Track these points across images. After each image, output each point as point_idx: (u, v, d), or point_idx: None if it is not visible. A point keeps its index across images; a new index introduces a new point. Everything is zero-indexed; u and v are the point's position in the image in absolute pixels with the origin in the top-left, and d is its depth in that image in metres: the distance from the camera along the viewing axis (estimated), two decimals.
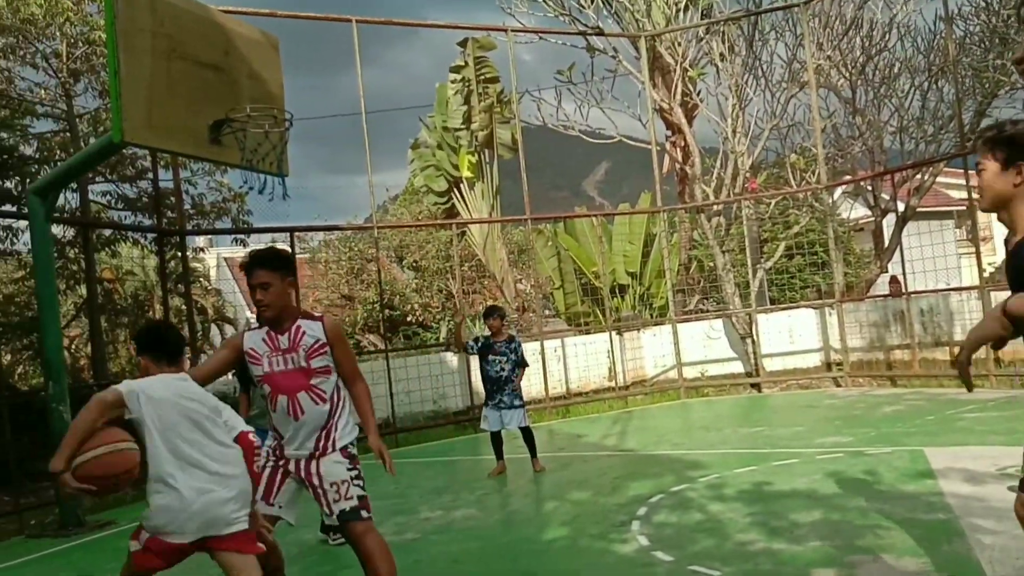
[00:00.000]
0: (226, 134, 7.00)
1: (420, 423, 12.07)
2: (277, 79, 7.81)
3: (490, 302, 18.59)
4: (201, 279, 20.27)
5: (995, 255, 26.89)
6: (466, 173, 18.51)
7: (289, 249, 11.90)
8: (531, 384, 12.89)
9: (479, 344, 7.99)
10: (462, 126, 18.43)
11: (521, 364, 8.01)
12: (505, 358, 7.89)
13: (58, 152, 13.22)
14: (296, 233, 12.41)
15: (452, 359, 12.82)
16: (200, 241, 17.77)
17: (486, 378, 8.02)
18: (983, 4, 13.23)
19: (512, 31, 13.45)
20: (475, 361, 12.85)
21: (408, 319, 17.93)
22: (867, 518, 5.20)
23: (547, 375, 12.43)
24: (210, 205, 14.32)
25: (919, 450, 7.13)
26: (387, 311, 15.36)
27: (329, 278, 18.89)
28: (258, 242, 19.57)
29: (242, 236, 14.02)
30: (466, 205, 18.97)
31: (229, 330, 23.13)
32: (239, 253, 22.42)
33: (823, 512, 5.44)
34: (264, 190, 7.53)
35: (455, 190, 19.24)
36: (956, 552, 4.36)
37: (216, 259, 24.09)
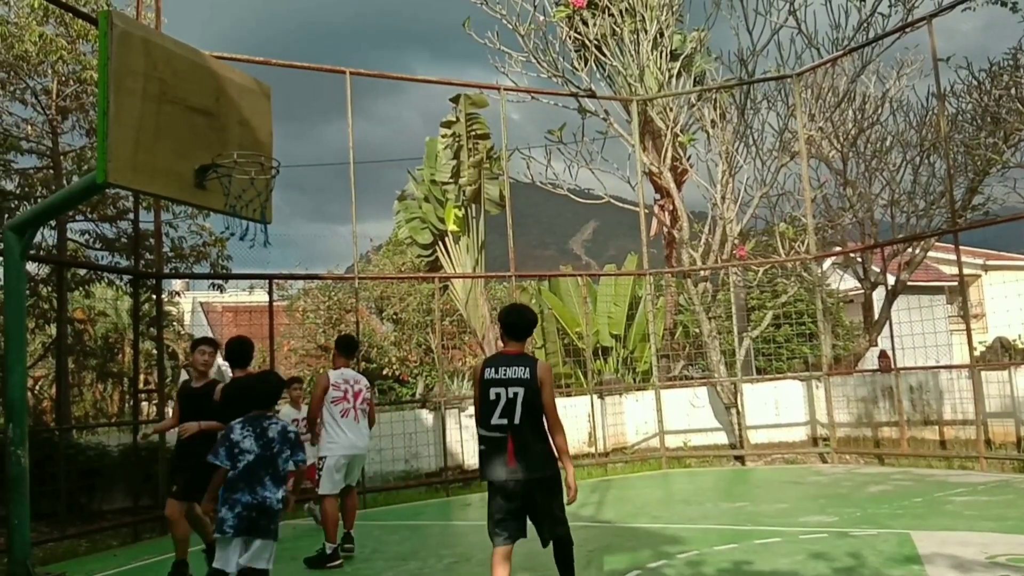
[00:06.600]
0: (211, 179, 6.82)
1: (390, 483, 11.62)
2: (267, 127, 7.69)
3: (471, 358, 18.32)
4: (175, 323, 19.86)
5: (986, 333, 26.73)
6: (452, 227, 18.36)
7: (267, 296, 11.66)
8: None
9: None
10: (450, 180, 18.36)
11: None
12: None
13: (40, 189, 12.95)
14: (275, 280, 12.12)
15: (428, 416, 12.42)
16: (176, 284, 17.41)
17: None
18: (975, 83, 13.34)
19: (504, 90, 13.44)
20: (451, 420, 12.53)
21: (384, 372, 17.53)
22: None
23: None
24: (189, 248, 14.01)
25: (906, 533, 6.82)
26: (363, 363, 15.00)
27: (306, 327, 18.55)
28: (236, 288, 19.33)
29: (220, 281, 13.71)
30: (450, 259, 18.78)
31: None
32: (216, 298, 22.16)
33: None
34: (246, 236, 7.34)
35: (440, 243, 19.06)
36: None
37: (192, 303, 23.73)
